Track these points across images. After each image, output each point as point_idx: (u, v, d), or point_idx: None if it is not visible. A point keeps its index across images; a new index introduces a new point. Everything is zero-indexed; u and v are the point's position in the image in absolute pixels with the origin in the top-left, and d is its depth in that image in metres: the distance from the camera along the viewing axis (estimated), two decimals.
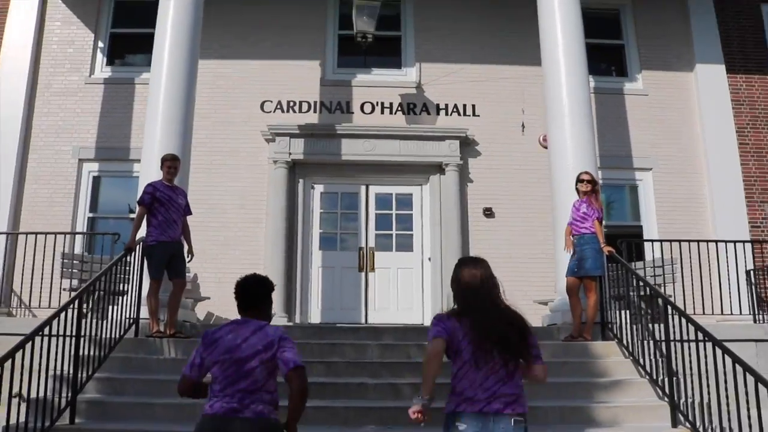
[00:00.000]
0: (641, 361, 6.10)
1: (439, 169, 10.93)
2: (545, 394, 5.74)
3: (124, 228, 9.16)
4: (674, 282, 8.41)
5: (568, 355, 6.53)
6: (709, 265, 9.17)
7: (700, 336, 5.34)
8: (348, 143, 10.89)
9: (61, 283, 8.88)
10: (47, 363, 5.13)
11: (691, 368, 5.45)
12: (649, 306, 7.32)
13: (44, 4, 11.60)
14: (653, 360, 6.00)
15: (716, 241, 9.15)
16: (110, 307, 6.68)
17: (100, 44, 11.73)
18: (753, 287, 9.42)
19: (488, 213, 10.90)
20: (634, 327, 6.41)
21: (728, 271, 9.09)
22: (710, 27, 11.81)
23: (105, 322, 6.13)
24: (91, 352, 5.80)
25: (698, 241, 8.01)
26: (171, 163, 7.14)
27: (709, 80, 11.59)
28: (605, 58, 12.27)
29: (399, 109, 11.38)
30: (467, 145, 11.13)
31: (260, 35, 11.54)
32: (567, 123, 8.10)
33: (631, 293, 6.88)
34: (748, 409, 4.69)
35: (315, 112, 11.32)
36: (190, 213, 7.46)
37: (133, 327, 6.81)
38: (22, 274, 8.95)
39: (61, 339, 5.39)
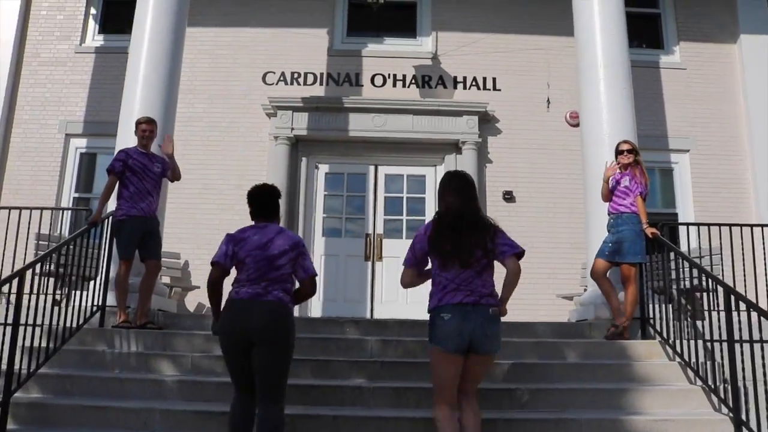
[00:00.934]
0: (692, 363, 5.10)
1: (455, 147, 9.95)
2: (579, 403, 4.78)
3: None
4: (722, 273, 7.32)
5: (603, 356, 5.54)
6: (754, 254, 8.10)
7: None
8: (356, 118, 9.93)
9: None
10: None
11: (754, 374, 4.47)
12: (694, 299, 6.32)
13: None
14: (707, 363, 4.99)
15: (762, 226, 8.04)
16: (75, 292, 5.81)
17: (93, 11, 10.87)
18: None
19: (508, 197, 9.91)
20: (684, 323, 5.38)
21: None
22: None
23: (59, 308, 5.23)
24: (40, 344, 4.92)
25: (751, 226, 6.96)
26: (146, 126, 6.23)
27: (755, 53, 10.49)
28: (638, 28, 11.09)
29: (413, 81, 10.41)
30: (486, 122, 10.14)
31: (263, 1, 10.60)
32: (602, 86, 7.06)
33: (678, 284, 5.85)
34: None
35: (321, 84, 10.38)
36: (174, 179, 6.53)
37: (98, 315, 5.92)
38: None
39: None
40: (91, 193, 10.04)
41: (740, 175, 10.21)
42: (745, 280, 6.41)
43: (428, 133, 9.91)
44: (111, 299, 6.03)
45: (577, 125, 10.17)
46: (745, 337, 4.69)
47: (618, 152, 6.21)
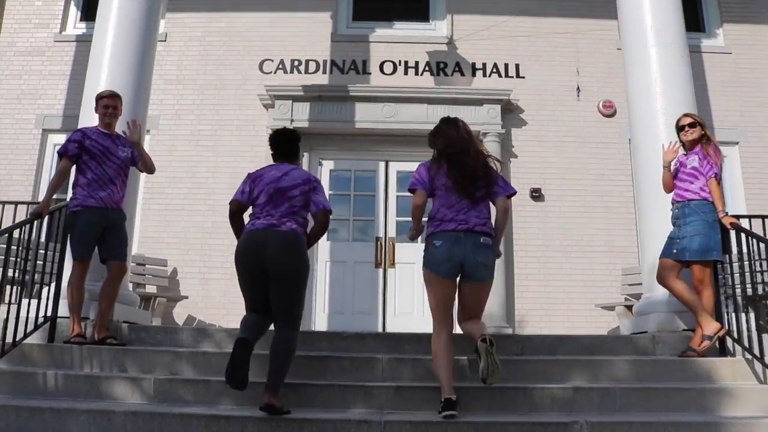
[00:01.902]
0: None
1: None
2: None
3: None
4: None
5: (672, 378, 4.38)
6: None
7: None
8: (363, 108, 8.85)
9: None
10: None
11: None
12: None
13: None
14: None
15: None
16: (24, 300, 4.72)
17: None
18: None
19: (536, 195, 8.79)
20: None
21: None
22: None
23: None
24: None
25: None
26: (109, 101, 5.16)
27: None
28: None
29: (426, 69, 9.34)
30: (510, 112, 9.04)
31: None
32: (653, 53, 5.92)
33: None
34: None
35: (324, 72, 9.33)
36: (147, 170, 5.43)
37: (47, 328, 4.81)
38: None
39: None
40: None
41: None
42: None
43: None
44: (64, 309, 4.92)
45: (611, 116, 9.13)
46: None
47: (678, 128, 5.08)
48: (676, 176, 4.98)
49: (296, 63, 9.35)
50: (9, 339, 4.31)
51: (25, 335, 4.51)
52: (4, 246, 4.96)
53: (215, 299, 8.48)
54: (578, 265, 8.47)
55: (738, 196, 8.97)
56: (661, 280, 4.81)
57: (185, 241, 8.68)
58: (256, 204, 4.17)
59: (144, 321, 5.78)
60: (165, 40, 9.41)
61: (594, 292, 8.30)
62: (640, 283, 7.94)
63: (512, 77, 9.32)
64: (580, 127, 9.10)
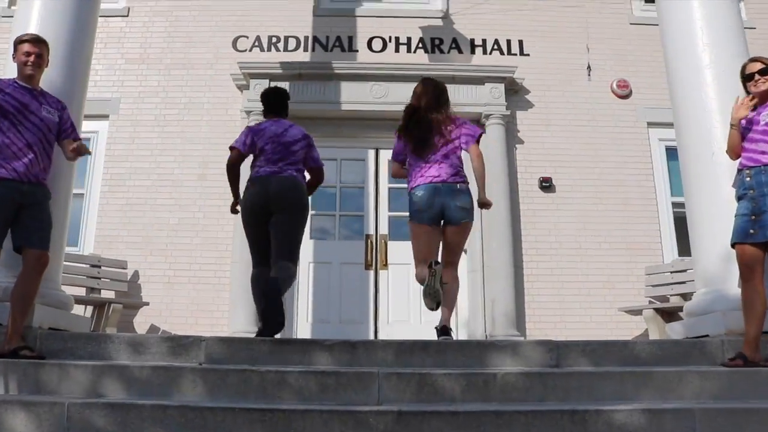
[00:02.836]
0: None
1: (476, 123, 7.81)
2: None
3: None
4: None
5: (737, 394, 3.35)
6: None
7: None
8: (350, 87, 7.83)
9: None
10: None
11: None
12: None
13: None
14: None
15: None
16: None
17: None
18: None
19: (546, 185, 7.78)
20: None
21: None
22: None
23: None
24: None
25: None
26: (31, 48, 4.09)
27: None
28: None
29: (419, 46, 8.35)
30: (514, 93, 8.06)
31: None
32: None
33: None
34: None
35: (306, 50, 8.30)
36: (76, 138, 4.27)
37: None
38: None
39: None
40: None
41: None
42: None
43: None
44: None
45: (626, 96, 8.19)
46: None
47: (746, 78, 4.08)
48: (745, 137, 3.96)
49: (274, 40, 8.32)
50: None
51: None
52: None
53: (182, 306, 7.40)
54: (596, 265, 7.47)
55: None
56: (745, 273, 3.75)
57: (148, 240, 7.60)
58: (260, 155, 4.56)
59: (81, 328, 4.67)
60: (127, 15, 8.40)
61: (615, 295, 7.30)
62: (668, 284, 6.99)
63: (515, 54, 8.35)
64: (592, 109, 8.14)
